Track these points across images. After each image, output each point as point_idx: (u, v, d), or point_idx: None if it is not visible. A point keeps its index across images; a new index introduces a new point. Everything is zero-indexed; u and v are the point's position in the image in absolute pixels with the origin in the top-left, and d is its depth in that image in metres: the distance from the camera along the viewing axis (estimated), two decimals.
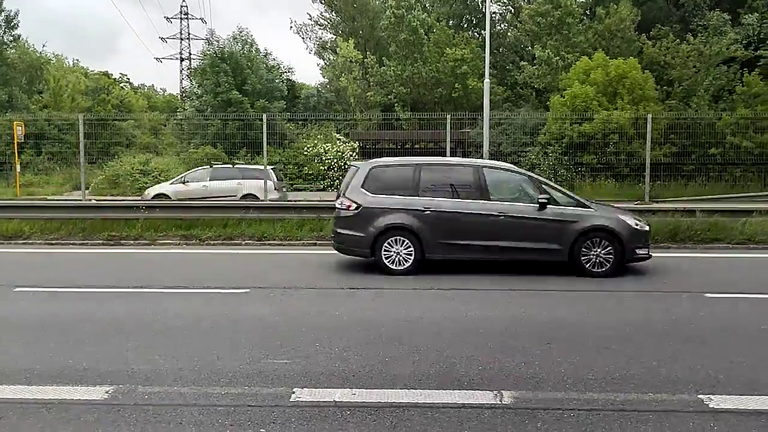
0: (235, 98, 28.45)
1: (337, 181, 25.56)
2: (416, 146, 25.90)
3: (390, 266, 8.66)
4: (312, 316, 6.43)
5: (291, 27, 55.36)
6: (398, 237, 8.66)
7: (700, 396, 4.27)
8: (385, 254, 8.67)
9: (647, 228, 8.93)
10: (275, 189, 17.97)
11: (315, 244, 11.74)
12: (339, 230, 9.08)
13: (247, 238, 12.20)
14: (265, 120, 18.79)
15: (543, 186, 9.05)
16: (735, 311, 6.71)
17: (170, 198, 16.87)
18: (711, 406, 4.11)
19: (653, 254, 8.90)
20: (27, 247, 11.69)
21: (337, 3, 38.30)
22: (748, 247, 11.48)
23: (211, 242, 12.06)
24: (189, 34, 61.48)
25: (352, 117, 30.62)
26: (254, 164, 20.03)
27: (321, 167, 25.76)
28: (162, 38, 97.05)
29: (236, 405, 4.12)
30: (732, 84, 23.90)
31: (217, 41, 31.91)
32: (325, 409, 4.06)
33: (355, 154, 25.72)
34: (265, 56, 32.20)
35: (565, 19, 27.42)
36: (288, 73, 33.93)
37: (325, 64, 40.01)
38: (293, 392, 4.33)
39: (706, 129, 21.62)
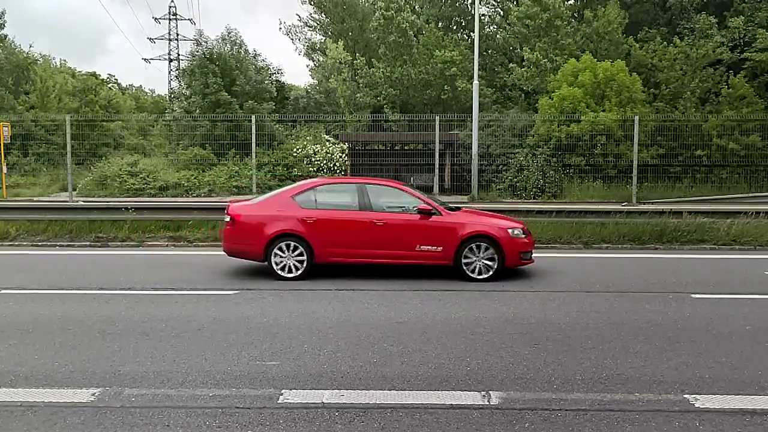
0: (224, 99, 28.31)
1: None
2: (405, 148, 25.94)
3: None
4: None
5: (280, 28, 55.56)
6: None
7: (686, 395, 4.31)
8: None
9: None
10: None
11: None
12: None
13: None
14: (254, 121, 18.80)
15: None
16: (720, 311, 6.77)
17: None
18: (697, 405, 4.15)
19: (642, 255, 8.94)
20: (13, 249, 11.59)
21: (326, 4, 38.25)
22: (734, 249, 11.64)
23: (200, 243, 12.02)
24: (177, 34, 61.26)
25: (341, 118, 30.58)
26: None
27: (310, 169, 25.64)
28: (150, 39, 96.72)
29: (224, 407, 4.11)
30: (718, 86, 24.11)
31: (206, 42, 31.65)
32: (313, 411, 4.06)
33: (344, 155, 25.68)
34: (254, 57, 32.02)
35: (553, 21, 27.54)
36: (277, 75, 33.73)
37: (315, 65, 39.96)
38: (281, 394, 4.32)
39: (692, 131, 21.82)
